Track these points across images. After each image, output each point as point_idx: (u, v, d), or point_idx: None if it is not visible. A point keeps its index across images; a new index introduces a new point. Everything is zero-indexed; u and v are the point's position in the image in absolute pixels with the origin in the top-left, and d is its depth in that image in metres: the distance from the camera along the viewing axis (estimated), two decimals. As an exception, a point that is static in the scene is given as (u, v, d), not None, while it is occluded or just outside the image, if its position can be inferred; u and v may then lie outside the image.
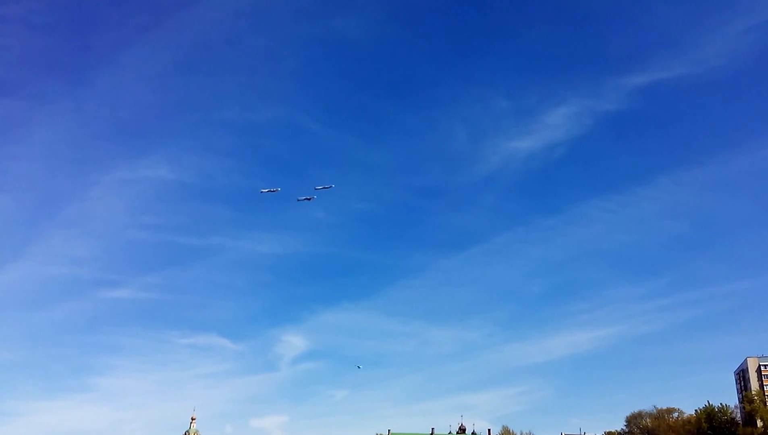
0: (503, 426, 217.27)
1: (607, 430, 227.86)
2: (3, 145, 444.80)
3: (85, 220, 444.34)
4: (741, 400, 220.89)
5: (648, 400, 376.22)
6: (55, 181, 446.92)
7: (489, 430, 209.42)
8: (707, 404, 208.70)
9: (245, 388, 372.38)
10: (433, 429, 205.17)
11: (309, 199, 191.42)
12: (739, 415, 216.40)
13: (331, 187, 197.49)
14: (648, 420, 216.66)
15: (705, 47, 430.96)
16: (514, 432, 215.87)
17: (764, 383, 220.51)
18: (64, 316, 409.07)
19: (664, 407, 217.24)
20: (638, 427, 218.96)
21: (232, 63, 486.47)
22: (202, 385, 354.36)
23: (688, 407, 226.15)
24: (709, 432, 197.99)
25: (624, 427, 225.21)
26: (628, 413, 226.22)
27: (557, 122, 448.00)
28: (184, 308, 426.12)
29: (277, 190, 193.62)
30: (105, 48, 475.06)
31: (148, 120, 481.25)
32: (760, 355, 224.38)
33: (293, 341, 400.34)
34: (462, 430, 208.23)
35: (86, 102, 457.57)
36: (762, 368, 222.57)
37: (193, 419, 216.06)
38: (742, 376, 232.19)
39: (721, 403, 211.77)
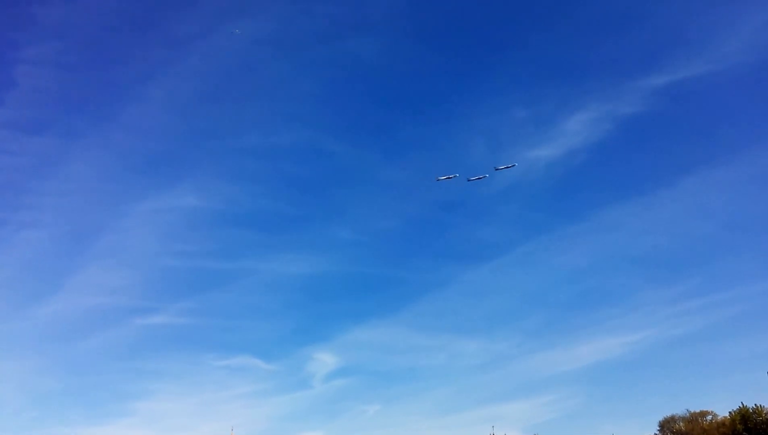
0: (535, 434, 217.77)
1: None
2: (37, 181, 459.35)
3: (119, 251, 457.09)
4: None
5: (681, 404, 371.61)
6: (88, 214, 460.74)
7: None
8: (741, 405, 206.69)
9: (280, 407, 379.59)
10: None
11: (481, 178, 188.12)
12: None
13: (514, 165, 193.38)
14: (681, 424, 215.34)
15: (724, 43, 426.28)
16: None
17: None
18: (104, 344, 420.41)
19: (698, 410, 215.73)
20: (672, 432, 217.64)
21: (252, 90, 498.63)
22: (238, 405, 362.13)
23: (722, 409, 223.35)
24: (744, 433, 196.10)
25: (657, 432, 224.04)
26: (660, 418, 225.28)
27: (576, 129, 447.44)
28: (218, 331, 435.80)
29: (454, 176, 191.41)
30: (130, 82, 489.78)
31: (175, 150, 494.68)
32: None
33: (324, 359, 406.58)
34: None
35: (114, 135, 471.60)
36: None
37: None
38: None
39: (755, 404, 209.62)
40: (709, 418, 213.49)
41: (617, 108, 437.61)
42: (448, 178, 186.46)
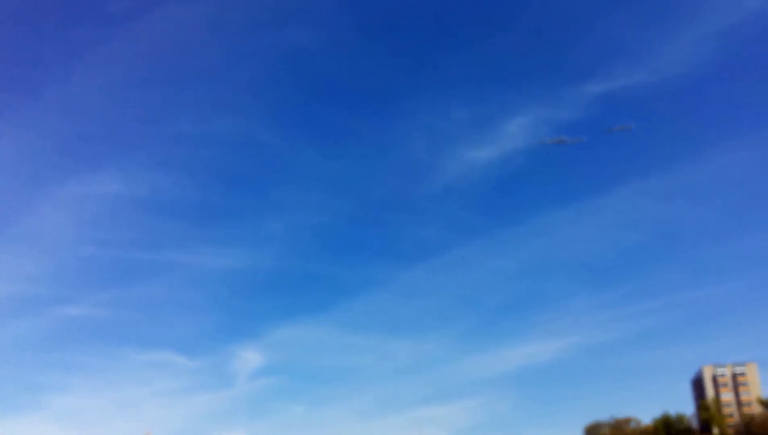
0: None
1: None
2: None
3: (36, 237, 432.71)
4: (697, 409, 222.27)
5: (606, 410, 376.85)
6: (2, 196, 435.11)
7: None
8: (664, 413, 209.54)
9: (201, 405, 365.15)
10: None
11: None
12: (695, 423, 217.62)
13: (631, 126, 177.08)
14: (606, 430, 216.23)
15: (663, 55, 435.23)
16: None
17: (720, 391, 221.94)
18: (17, 334, 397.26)
19: (622, 417, 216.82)
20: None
21: (186, 75, 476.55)
22: (157, 403, 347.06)
23: (646, 417, 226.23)
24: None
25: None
26: (585, 424, 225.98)
27: (516, 132, 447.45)
28: (138, 325, 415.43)
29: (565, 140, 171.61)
30: (55, 61, 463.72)
31: (100, 133, 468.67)
32: (715, 363, 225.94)
33: (249, 356, 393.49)
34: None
35: (36, 114, 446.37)
36: (717, 377, 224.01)
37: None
38: (698, 384, 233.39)
39: (677, 412, 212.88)
40: (632, 425, 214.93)
41: (556, 113, 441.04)
42: (562, 141, 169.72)
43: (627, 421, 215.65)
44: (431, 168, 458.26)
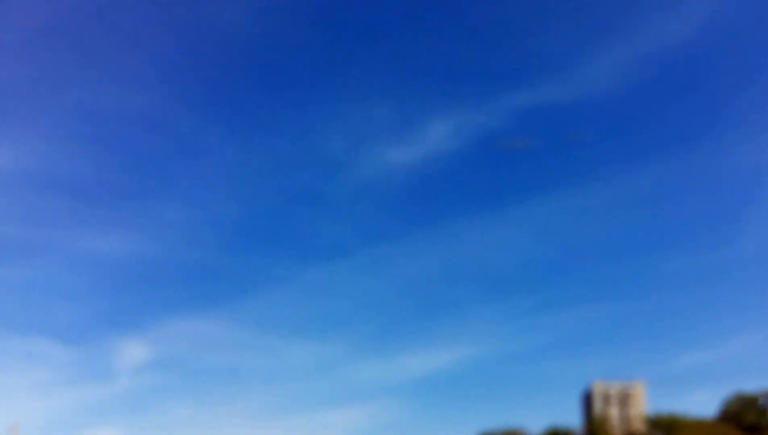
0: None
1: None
2: None
3: None
4: (585, 423, 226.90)
5: (500, 420, 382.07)
6: None
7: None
8: (552, 426, 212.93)
9: (77, 399, 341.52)
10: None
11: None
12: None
13: (585, 137, 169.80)
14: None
15: (587, 72, 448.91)
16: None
17: (607, 406, 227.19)
18: None
19: (512, 427, 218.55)
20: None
21: (91, 43, 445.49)
22: (28, 394, 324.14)
23: (536, 428, 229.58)
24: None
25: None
26: (477, 433, 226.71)
27: (438, 135, 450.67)
28: (10, 308, 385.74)
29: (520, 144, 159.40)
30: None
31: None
32: (605, 379, 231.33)
33: (134, 350, 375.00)
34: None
35: None
36: (606, 392, 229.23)
37: (15, 431, 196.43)
38: (587, 399, 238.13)
39: (566, 426, 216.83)
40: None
41: (480, 120, 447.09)
42: (515, 144, 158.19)
43: (516, 432, 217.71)
44: (348, 166, 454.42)
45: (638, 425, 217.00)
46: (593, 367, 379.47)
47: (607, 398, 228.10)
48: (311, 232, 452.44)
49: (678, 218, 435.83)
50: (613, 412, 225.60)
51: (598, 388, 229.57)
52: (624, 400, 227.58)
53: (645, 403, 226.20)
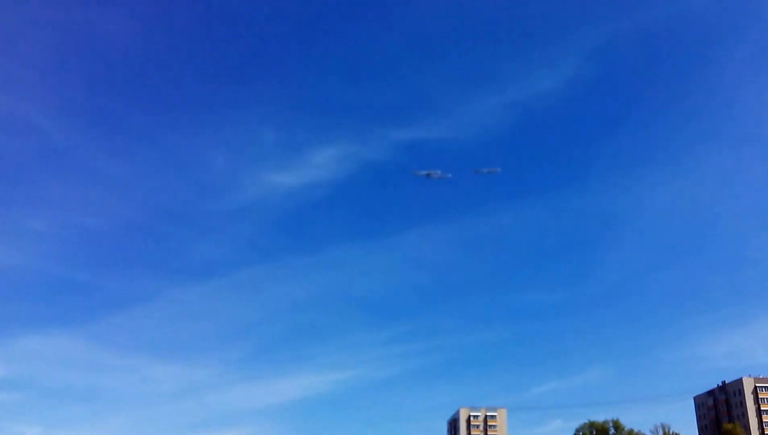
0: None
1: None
2: None
3: None
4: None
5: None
6: None
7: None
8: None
9: None
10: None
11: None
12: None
13: (497, 170, 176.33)
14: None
15: (464, 115, 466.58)
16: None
17: (472, 432, 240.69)
18: None
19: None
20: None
21: None
22: None
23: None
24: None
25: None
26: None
27: (322, 162, 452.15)
28: None
29: (437, 173, 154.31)
30: None
31: None
32: (471, 406, 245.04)
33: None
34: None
35: None
36: (471, 418, 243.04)
37: None
38: (453, 425, 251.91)
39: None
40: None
41: (363, 151, 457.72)
42: (431, 174, 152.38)
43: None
44: (229, 186, 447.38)
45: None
46: (461, 393, 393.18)
47: (471, 424, 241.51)
48: (185, 250, 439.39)
49: (542, 255, 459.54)
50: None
51: (464, 414, 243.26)
52: (487, 426, 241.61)
53: (506, 429, 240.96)
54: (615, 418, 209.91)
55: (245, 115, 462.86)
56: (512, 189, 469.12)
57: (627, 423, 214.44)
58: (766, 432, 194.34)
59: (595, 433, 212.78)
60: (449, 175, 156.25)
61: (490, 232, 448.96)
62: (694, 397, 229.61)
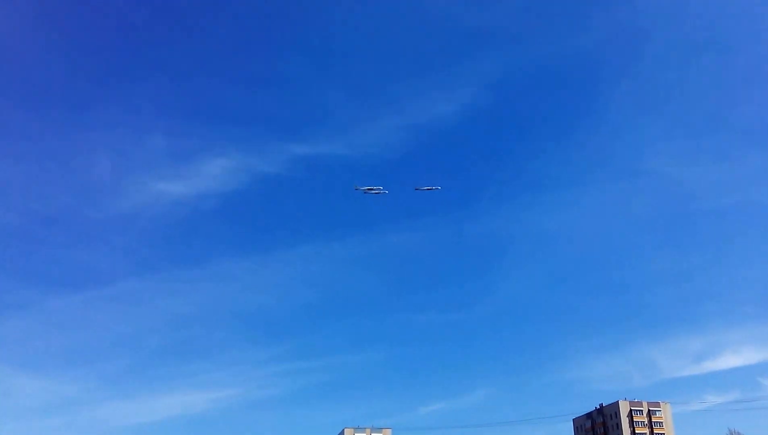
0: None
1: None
2: None
3: None
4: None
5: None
6: None
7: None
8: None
9: None
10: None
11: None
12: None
13: (438, 188, 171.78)
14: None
15: (361, 133, 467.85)
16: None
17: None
18: None
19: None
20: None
21: None
22: None
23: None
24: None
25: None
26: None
27: (214, 172, 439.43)
28: None
29: (379, 189, 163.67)
30: None
31: None
32: (356, 426, 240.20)
33: None
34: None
35: None
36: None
37: None
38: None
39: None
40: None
41: (259, 164, 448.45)
42: (371, 190, 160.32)
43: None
44: (113, 191, 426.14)
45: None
46: (347, 414, 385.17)
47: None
48: (62, 259, 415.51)
49: (433, 276, 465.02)
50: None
51: (348, 434, 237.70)
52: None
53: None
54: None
55: (134, 118, 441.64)
56: (406, 209, 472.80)
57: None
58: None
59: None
60: (386, 192, 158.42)
61: (383, 252, 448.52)
62: (573, 419, 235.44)
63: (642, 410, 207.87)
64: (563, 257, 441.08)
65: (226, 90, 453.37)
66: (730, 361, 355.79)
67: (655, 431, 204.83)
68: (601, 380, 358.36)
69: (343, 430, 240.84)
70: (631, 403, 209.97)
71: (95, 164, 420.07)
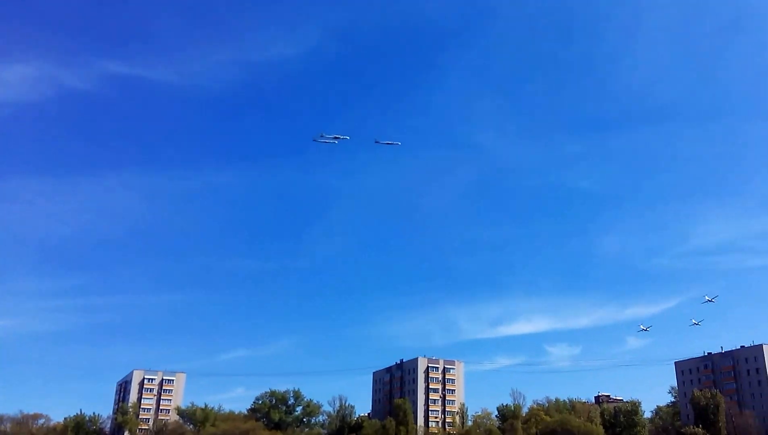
0: None
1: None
2: None
3: None
4: (115, 411, 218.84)
5: (17, 404, 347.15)
6: None
7: None
8: (78, 413, 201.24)
9: None
10: None
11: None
12: (109, 425, 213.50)
13: (397, 144, 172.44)
14: (9, 425, 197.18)
15: (190, 61, 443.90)
16: None
17: (144, 396, 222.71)
18: None
19: (31, 412, 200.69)
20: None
21: None
22: None
23: (60, 415, 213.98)
24: None
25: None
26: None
27: (12, 80, 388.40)
28: None
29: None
30: None
31: None
32: (147, 369, 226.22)
33: None
34: None
35: None
36: (145, 381, 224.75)
37: None
38: (124, 387, 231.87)
39: (93, 413, 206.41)
40: (41, 421, 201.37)
41: (66, 77, 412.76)
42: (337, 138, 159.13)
43: (35, 417, 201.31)
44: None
45: (173, 416, 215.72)
46: (139, 356, 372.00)
47: (145, 388, 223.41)
48: None
49: (256, 222, 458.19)
50: (149, 402, 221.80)
51: (138, 376, 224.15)
52: (162, 390, 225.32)
53: (183, 395, 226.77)
54: (296, 389, 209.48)
55: None
56: (236, 150, 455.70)
57: (308, 394, 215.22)
58: (431, 408, 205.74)
59: (275, 401, 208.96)
60: (347, 138, 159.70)
61: (204, 190, 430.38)
62: (373, 373, 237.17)
63: (438, 367, 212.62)
64: (382, 216, 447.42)
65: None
66: (522, 327, 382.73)
67: (447, 387, 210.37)
68: (405, 337, 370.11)
69: (131, 372, 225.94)
70: (429, 360, 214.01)
71: None
